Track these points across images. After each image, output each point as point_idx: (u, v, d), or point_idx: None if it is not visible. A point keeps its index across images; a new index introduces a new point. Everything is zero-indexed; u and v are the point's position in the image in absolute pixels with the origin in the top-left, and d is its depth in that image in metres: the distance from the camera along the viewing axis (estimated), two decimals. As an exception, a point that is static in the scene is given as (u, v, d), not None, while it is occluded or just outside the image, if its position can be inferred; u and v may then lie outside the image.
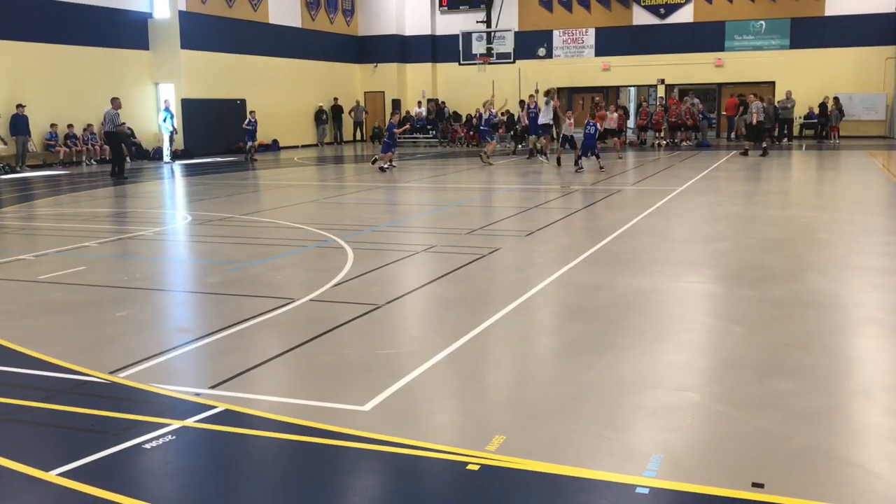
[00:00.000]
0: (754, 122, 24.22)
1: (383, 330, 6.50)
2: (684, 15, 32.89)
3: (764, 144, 24.26)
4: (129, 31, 26.70)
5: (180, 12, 27.34)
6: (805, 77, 30.80)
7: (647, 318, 6.70)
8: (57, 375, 5.37)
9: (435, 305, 7.29)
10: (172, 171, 23.19)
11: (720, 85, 33.27)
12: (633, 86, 36.52)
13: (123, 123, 20.80)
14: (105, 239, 11.18)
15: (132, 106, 26.83)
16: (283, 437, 4.35)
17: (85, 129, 25.09)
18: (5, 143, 21.96)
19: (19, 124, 22.31)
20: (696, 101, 29.94)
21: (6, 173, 21.58)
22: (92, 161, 25.06)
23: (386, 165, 21.22)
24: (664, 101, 30.31)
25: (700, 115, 29.49)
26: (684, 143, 29.18)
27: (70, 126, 24.62)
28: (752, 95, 24.97)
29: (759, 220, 11.85)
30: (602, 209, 13.43)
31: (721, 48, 32.60)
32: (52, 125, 24.10)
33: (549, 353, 6.01)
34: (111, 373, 5.36)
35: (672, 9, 33.01)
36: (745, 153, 23.90)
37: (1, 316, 7.02)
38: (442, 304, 7.25)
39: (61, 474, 3.89)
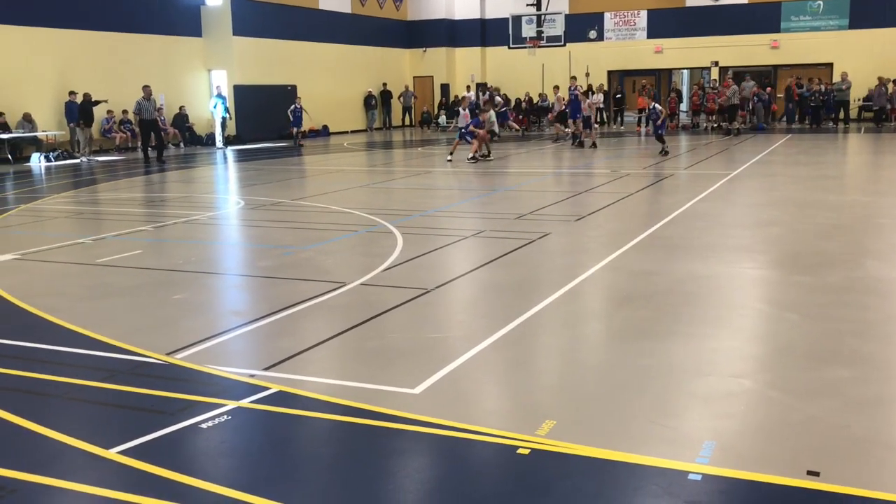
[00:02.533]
0: (723, 103, 26.40)
1: (433, 314, 6.53)
2: (739, -5, 32.19)
3: (732, 125, 26.09)
4: (182, 19, 27.08)
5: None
6: (864, 58, 29.95)
7: (700, 304, 6.61)
8: (116, 356, 5.50)
9: (484, 290, 7.29)
10: (225, 157, 23.52)
11: (776, 67, 32.54)
12: (686, 68, 35.94)
13: (157, 112, 21.67)
14: (161, 223, 11.40)
15: (185, 92, 27.27)
16: (336, 419, 4.41)
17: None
18: (83, 128, 22.54)
19: (74, 111, 22.75)
20: (752, 83, 29.30)
21: (64, 159, 22.10)
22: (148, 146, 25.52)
23: (478, 156, 19.22)
24: (717, 84, 29.74)
25: (755, 98, 28.85)
26: (740, 126, 28.57)
27: (125, 112, 25.09)
28: (728, 80, 27.08)
29: (816, 204, 11.60)
30: (654, 193, 13.27)
31: (777, 29, 31.85)
32: (109, 112, 24.58)
33: (600, 338, 5.98)
34: (168, 354, 5.48)
35: (727, -11, 32.35)
36: (735, 132, 25.77)
37: (61, 298, 7.22)
38: (491, 289, 7.25)
39: (121, 452, 4.00)
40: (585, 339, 5.98)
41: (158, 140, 21.60)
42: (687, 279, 7.35)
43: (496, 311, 6.48)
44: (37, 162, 21.65)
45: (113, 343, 5.76)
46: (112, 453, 4.00)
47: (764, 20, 31.77)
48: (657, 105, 20.43)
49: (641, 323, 6.09)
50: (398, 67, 36.48)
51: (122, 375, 5.14)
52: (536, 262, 8.38)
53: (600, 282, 7.47)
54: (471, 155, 19.04)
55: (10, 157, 21.79)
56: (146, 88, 21.25)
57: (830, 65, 30.93)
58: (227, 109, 26.30)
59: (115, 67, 24.65)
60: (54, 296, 7.31)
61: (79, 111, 22.31)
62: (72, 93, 22.59)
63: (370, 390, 4.76)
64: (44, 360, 5.52)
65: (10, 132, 21.87)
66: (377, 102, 34.50)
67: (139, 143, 23.42)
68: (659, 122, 20.06)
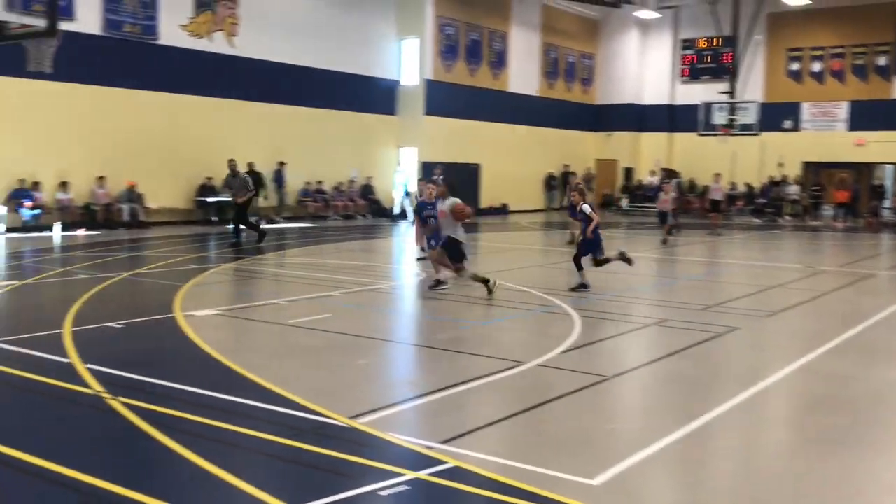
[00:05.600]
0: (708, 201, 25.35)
1: (611, 403, 6.39)
2: (954, 87, 30.16)
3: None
4: (379, 97, 28.65)
5: (426, 80, 28.97)
6: None
7: (906, 417, 6.08)
8: (302, 415, 5.74)
9: (665, 383, 7.05)
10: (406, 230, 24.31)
11: None
12: (891, 163, 33.82)
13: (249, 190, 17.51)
14: (348, 289, 11.90)
15: (377, 167, 28.64)
16: (512, 501, 4.36)
17: (334, 187, 27.06)
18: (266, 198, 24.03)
19: (279, 180, 24.51)
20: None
21: (268, 223, 23.63)
22: (337, 216, 26.91)
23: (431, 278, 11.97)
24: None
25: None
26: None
27: (319, 182, 26.66)
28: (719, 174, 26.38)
29: None
30: (853, 293, 12.44)
31: None
32: (307, 183, 26.25)
33: (786, 445, 5.61)
34: (351, 417, 5.65)
35: (939, 81, 30.39)
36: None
37: (255, 355, 7.66)
38: (673, 382, 7.00)
39: (303, 510, 4.14)
40: (771, 444, 5.62)
41: (243, 220, 17.51)
42: (886, 387, 6.79)
43: (678, 407, 6.24)
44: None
45: (299, 401, 6.01)
46: (295, 510, 4.14)
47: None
48: (587, 207, 12.40)
49: (834, 430, 5.66)
50: (581, 149, 36.67)
51: (306, 434, 5.35)
52: (723, 357, 8.03)
53: (791, 384, 7.04)
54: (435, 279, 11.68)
55: (214, 218, 23.52)
56: (230, 162, 17.61)
57: None
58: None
59: (316, 140, 26.34)
60: (250, 352, 7.77)
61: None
62: (280, 163, 24.24)
63: (547, 476, 4.68)
64: (238, 412, 5.83)
65: (216, 196, 23.67)
66: (558, 183, 34.75)
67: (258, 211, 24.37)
68: (589, 231, 12.28)
